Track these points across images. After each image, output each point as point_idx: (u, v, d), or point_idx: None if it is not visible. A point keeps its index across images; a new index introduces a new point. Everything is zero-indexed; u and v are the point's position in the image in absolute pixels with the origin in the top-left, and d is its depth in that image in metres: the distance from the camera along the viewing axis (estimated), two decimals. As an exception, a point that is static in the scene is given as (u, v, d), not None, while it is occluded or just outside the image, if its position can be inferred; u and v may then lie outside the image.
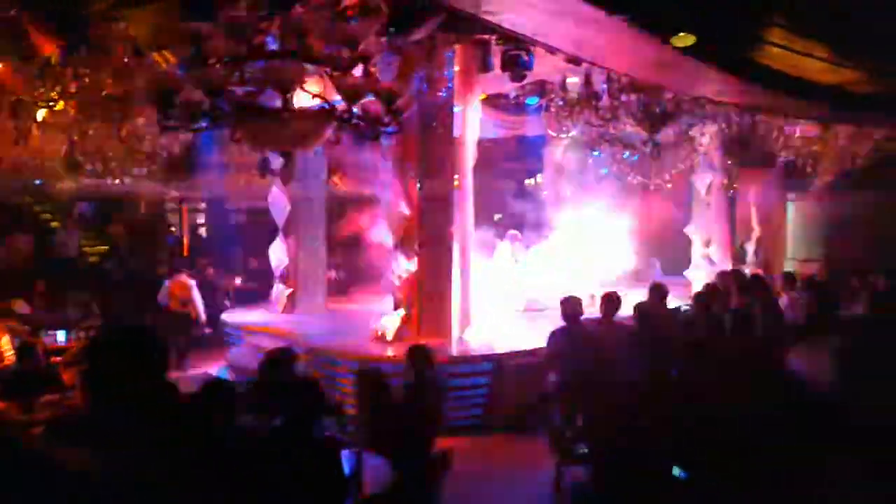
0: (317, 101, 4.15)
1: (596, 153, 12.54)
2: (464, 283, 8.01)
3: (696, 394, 3.99)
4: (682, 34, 4.87)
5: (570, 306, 6.09)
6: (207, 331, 10.38)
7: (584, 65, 7.75)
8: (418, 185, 7.61)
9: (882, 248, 10.52)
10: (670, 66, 6.16)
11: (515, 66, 7.61)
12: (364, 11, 6.20)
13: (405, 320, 7.54)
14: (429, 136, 7.62)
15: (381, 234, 8.94)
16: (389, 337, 7.45)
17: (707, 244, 10.84)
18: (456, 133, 7.99)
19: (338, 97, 4.14)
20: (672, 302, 7.80)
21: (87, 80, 6.76)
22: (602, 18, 4.89)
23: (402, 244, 7.67)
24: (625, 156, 11.25)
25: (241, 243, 15.33)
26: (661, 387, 4.55)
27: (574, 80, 8.89)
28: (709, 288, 7.89)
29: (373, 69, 4.58)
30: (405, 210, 7.55)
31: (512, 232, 11.34)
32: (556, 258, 10.91)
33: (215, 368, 9.11)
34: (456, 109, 7.94)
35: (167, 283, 9.99)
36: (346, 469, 3.20)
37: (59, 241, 12.64)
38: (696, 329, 6.51)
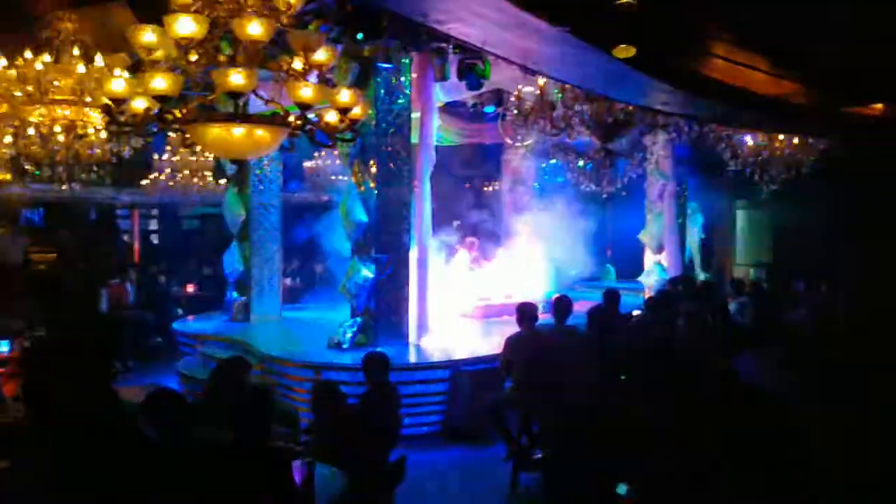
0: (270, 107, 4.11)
1: (553, 161, 12.72)
2: (421, 290, 8.02)
3: (646, 400, 4.06)
4: (622, 46, 4.97)
5: (527, 312, 6.16)
6: (157, 339, 10.15)
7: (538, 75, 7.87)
8: (375, 192, 7.59)
9: (826, 254, 10.90)
10: (617, 78, 6.27)
11: (471, 74, 7.70)
12: (318, 16, 6.18)
13: (362, 328, 7.50)
14: (386, 143, 7.63)
15: (337, 240, 8.89)
16: (346, 345, 7.39)
17: (659, 250, 11.05)
18: (413, 140, 8.02)
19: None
20: (626, 307, 7.94)
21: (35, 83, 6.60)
22: (545, 29, 4.96)
23: (360, 251, 7.63)
24: (579, 165, 11.44)
25: (194, 250, 15.07)
26: (612, 393, 4.62)
27: (529, 90, 9.00)
28: (660, 294, 8.06)
29: (329, 76, 4.56)
30: (362, 217, 7.53)
31: (469, 239, 11.40)
32: (513, 264, 11.02)
33: (165, 379, 8.90)
34: (413, 115, 7.97)
35: (104, 290, 9.78)
36: (297, 480, 3.17)
37: (2, 248, 12.23)
38: (647, 334, 6.64)
